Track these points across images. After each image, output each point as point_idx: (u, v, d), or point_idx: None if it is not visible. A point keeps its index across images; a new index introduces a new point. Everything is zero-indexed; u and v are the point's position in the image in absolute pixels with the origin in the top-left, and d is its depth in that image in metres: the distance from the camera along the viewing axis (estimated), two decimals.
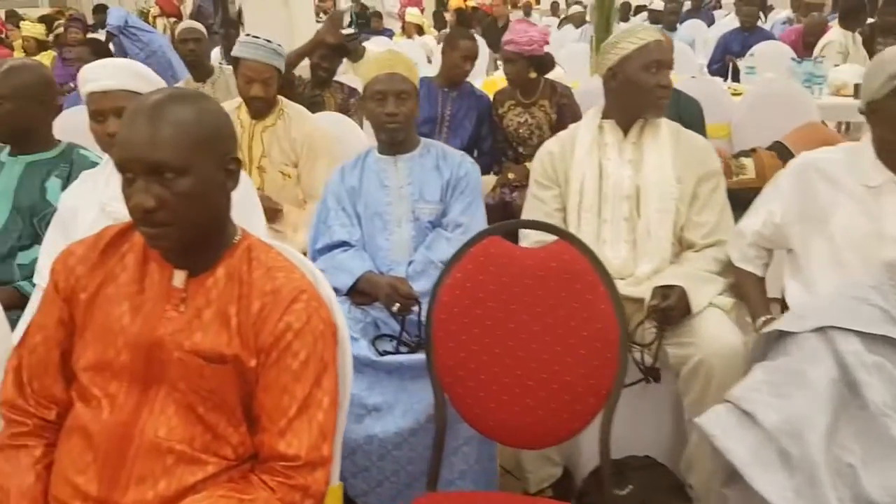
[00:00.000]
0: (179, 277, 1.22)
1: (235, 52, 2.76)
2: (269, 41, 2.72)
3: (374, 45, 5.50)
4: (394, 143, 2.17)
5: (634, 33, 2.06)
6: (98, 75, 1.85)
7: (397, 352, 1.99)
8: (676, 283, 1.88)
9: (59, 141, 2.22)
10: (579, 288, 1.46)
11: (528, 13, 10.93)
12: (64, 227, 1.93)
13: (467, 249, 1.53)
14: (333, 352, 1.25)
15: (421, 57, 6.52)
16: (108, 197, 1.89)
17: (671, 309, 1.85)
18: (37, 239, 2.08)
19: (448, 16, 9.38)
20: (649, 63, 2.00)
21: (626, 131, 2.09)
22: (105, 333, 1.21)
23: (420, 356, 1.91)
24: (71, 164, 2.14)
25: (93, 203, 1.91)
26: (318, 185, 2.78)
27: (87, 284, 1.24)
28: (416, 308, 1.99)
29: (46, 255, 1.95)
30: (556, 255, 1.49)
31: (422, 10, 8.57)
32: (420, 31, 7.65)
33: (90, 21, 8.73)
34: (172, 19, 9.25)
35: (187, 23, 4.18)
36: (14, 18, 8.86)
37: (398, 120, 2.11)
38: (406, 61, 2.18)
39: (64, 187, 2.10)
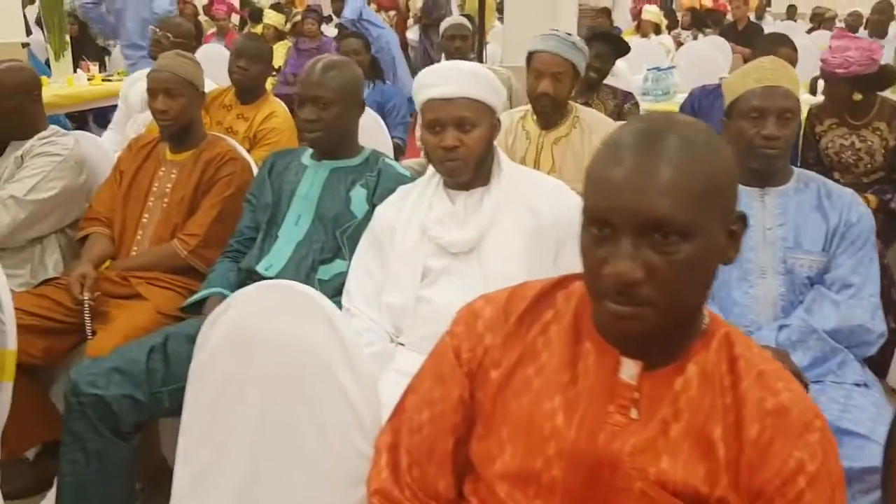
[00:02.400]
0: (630, 369, 0.88)
1: (530, 46, 2.44)
2: (569, 34, 2.38)
3: None
4: (767, 173, 1.73)
5: None
6: (438, 80, 1.59)
7: None
8: None
9: (363, 147, 2.00)
10: None
11: (760, 16, 9.97)
12: (378, 247, 1.70)
13: None
14: None
15: (660, 58, 6.00)
16: (431, 220, 1.64)
17: None
18: (338, 252, 1.87)
19: (680, 15, 8.70)
20: None
21: None
22: (530, 433, 0.90)
23: None
24: (378, 174, 1.90)
25: (413, 224, 1.66)
26: None
27: (499, 359, 0.94)
28: None
29: (356, 276, 1.73)
30: None
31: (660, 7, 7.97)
32: (657, 29, 7.09)
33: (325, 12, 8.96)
34: (392, 13, 9.28)
35: (454, 19, 3.98)
36: (245, 6, 9.33)
37: (779, 145, 1.68)
38: (791, 73, 1.73)
39: (369, 198, 1.88)
